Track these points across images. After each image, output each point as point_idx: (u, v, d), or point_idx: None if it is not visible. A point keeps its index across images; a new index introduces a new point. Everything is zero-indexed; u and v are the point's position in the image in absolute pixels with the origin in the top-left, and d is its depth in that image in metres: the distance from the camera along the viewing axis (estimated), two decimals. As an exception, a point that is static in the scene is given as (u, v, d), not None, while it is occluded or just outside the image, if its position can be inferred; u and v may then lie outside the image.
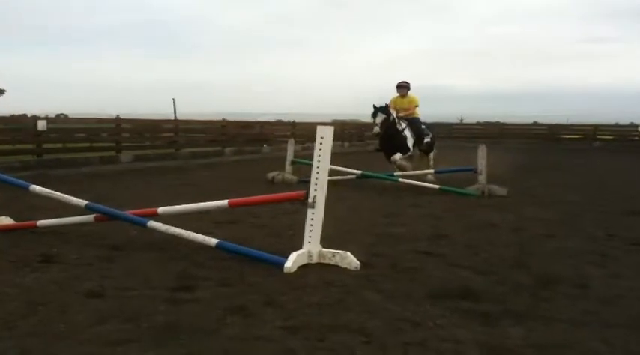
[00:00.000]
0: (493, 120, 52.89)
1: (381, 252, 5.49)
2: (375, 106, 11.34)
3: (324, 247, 5.02)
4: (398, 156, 11.39)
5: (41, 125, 13.67)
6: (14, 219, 6.34)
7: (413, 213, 8.06)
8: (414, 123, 11.99)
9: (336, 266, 4.86)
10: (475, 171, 10.36)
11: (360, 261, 4.88)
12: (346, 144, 24.73)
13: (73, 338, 3.27)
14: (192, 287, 4.28)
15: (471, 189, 9.98)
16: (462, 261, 5.19)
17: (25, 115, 21.51)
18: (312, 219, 4.95)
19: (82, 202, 5.87)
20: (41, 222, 6.04)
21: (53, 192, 6.08)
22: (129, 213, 5.80)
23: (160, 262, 4.97)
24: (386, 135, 11.54)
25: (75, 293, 4.06)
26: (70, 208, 6.21)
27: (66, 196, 5.99)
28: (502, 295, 4.23)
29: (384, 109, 11.34)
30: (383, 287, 4.36)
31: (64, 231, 6.09)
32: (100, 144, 16.10)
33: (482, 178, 10.23)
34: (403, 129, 11.65)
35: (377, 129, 11.23)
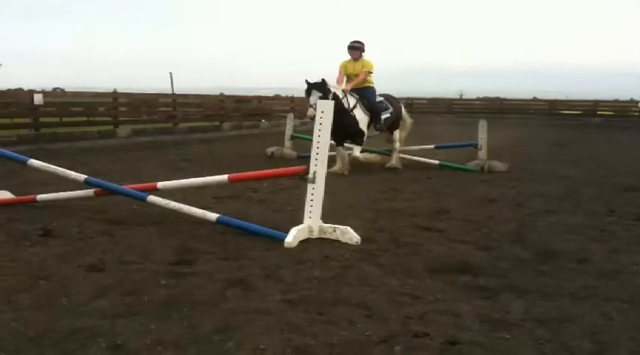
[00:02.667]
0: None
1: (381, 227, 5.49)
2: (308, 82, 8.97)
3: (324, 222, 5.01)
4: (357, 151, 9.39)
5: (38, 99, 13.57)
6: (13, 194, 6.32)
7: (413, 188, 8.05)
8: (366, 96, 9.59)
9: (337, 241, 4.86)
10: (475, 146, 10.34)
11: (361, 236, 4.88)
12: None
13: (75, 312, 3.27)
14: (193, 261, 4.28)
15: (471, 165, 9.97)
16: (462, 236, 5.20)
17: (20, 89, 21.39)
18: (312, 194, 4.94)
19: (81, 177, 5.84)
20: (41, 197, 6.02)
21: (51, 166, 6.06)
22: (128, 187, 5.78)
23: (160, 236, 4.96)
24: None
25: (76, 268, 4.05)
26: (68, 183, 6.19)
27: (64, 170, 5.97)
28: (502, 270, 4.24)
29: (321, 86, 8.88)
30: (383, 261, 4.37)
31: (64, 206, 6.08)
32: (98, 119, 16.03)
33: (482, 154, 10.22)
34: (352, 108, 9.27)
35: (312, 111, 8.42)
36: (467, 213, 6.27)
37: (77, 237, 4.91)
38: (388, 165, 10.19)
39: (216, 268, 4.11)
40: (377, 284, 3.83)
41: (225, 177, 5.73)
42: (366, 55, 9.75)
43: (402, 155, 10.48)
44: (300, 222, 4.98)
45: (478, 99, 40.91)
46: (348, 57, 9.73)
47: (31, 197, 6.12)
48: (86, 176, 5.87)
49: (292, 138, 11.81)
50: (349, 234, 4.89)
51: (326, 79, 8.95)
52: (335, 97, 8.81)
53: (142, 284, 3.75)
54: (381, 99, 9.97)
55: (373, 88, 9.80)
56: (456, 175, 9.38)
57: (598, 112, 29.87)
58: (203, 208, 5.47)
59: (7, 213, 5.76)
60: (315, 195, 4.94)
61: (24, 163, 6.19)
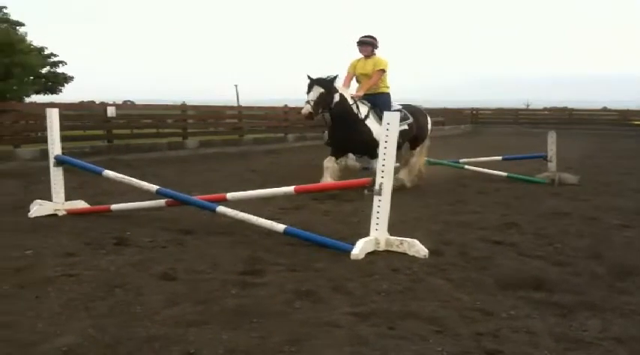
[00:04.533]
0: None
1: (449, 240, 5.41)
2: (310, 78, 7.72)
3: (390, 234, 4.98)
4: (351, 160, 8.19)
5: (111, 111, 14.08)
6: (88, 203, 6.57)
7: (480, 200, 7.90)
8: (378, 104, 8.16)
9: (404, 254, 4.81)
10: (545, 158, 10.09)
11: (428, 249, 4.82)
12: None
13: (149, 320, 3.35)
14: (261, 271, 4.33)
15: (541, 177, 9.72)
16: (534, 251, 5.06)
17: (93, 102, 22.27)
18: (378, 206, 4.92)
19: (154, 187, 6.01)
20: (115, 206, 6.23)
21: (126, 177, 6.25)
22: (198, 198, 5.91)
23: (229, 246, 5.04)
24: (338, 125, 7.97)
25: (149, 276, 4.16)
26: (140, 193, 6.38)
27: (138, 181, 6.15)
28: (577, 286, 4.09)
29: (325, 82, 7.63)
30: (452, 275, 4.29)
31: (136, 215, 6.27)
32: (166, 130, 16.48)
33: (552, 165, 9.95)
34: (365, 116, 8.02)
35: (307, 107, 7.49)
36: (538, 226, 6.10)
37: (150, 246, 5.05)
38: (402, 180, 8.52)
39: (285, 279, 4.14)
40: (447, 299, 3.77)
41: (291, 188, 5.79)
42: (379, 52, 8.50)
43: (468, 167, 10.28)
44: (366, 234, 4.96)
45: (545, 109, 39.95)
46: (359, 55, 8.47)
47: (105, 207, 6.34)
48: (158, 186, 6.03)
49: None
50: (416, 247, 4.83)
51: (337, 77, 7.82)
52: (343, 101, 7.78)
53: (213, 293, 3.81)
54: (399, 107, 8.38)
55: (387, 93, 8.50)
56: (525, 187, 9.14)
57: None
58: (270, 219, 5.52)
59: (83, 222, 5.99)
60: (381, 207, 4.91)
61: (99, 174, 6.41)
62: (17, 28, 27.66)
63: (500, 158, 11.00)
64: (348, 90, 8.13)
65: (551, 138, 10.11)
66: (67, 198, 6.47)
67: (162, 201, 6.00)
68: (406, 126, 8.32)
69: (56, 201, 6.34)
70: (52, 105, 13.39)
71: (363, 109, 8.06)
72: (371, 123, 7.99)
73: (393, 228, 5.03)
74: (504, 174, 9.99)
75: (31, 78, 26.27)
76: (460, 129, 29.21)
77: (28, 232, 5.53)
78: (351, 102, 7.91)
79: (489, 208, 7.26)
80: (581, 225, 6.22)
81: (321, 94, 7.53)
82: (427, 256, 4.75)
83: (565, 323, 3.41)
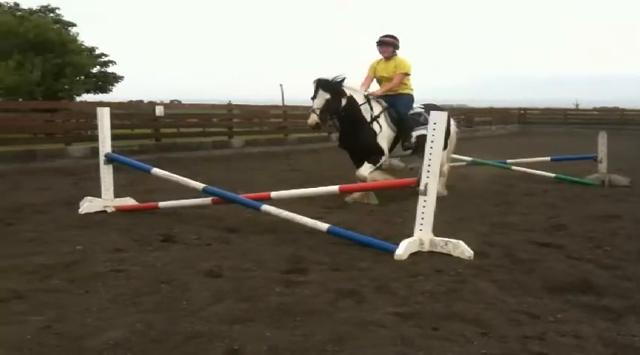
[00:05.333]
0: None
1: (494, 241, 5.33)
2: (315, 81, 7.13)
3: (435, 235, 4.94)
4: (365, 169, 7.30)
5: (159, 111, 14.36)
6: (136, 200, 6.71)
7: (527, 201, 7.76)
8: (396, 105, 7.65)
9: (448, 255, 4.76)
10: (595, 159, 9.84)
11: (473, 251, 4.76)
12: (454, 130, 24.10)
13: (194, 316, 3.40)
14: (305, 270, 4.35)
15: (591, 179, 9.49)
16: (583, 254, 4.94)
17: (141, 101, 22.74)
18: (423, 207, 4.88)
19: (200, 185, 6.09)
20: (162, 204, 6.34)
21: (173, 175, 6.36)
22: (243, 196, 5.97)
23: (273, 245, 5.08)
24: (345, 129, 7.51)
25: (195, 273, 4.22)
26: (186, 191, 6.49)
27: (185, 179, 6.25)
28: (627, 290, 3.98)
29: (331, 85, 7.04)
30: (498, 277, 4.23)
31: (183, 213, 6.37)
32: (212, 129, 16.69)
33: (602, 167, 9.70)
34: (374, 118, 7.46)
35: (314, 117, 6.97)
36: (587, 229, 5.96)
37: (195, 244, 5.13)
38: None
39: (328, 278, 4.15)
40: (492, 301, 3.72)
41: (335, 187, 5.81)
42: (400, 53, 7.87)
43: (515, 167, 10.10)
44: (409, 234, 4.93)
45: (595, 109, 38.97)
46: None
47: (153, 204, 6.46)
48: (205, 185, 6.11)
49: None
50: (461, 248, 4.77)
51: (345, 79, 7.18)
52: (352, 103, 7.24)
53: (257, 291, 3.85)
54: (420, 110, 7.89)
55: (409, 95, 7.88)
56: (574, 189, 8.94)
57: None
58: (313, 218, 5.54)
59: (131, 218, 6.12)
60: (426, 208, 4.87)
61: (147, 172, 6.53)
62: (69, 28, 28.42)
63: (548, 159, 10.76)
64: (362, 90, 7.61)
65: (602, 138, 9.85)
66: (116, 195, 6.62)
67: (208, 199, 6.08)
68: (426, 131, 7.54)
69: (105, 198, 6.50)
70: (102, 104, 13.74)
71: (376, 109, 7.52)
72: (377, 124, 7.44)
73: (438, 229, 4.98)
74: (553, 174, 9.79)
75: (82, 77, 26.94)
76: (506, 129, 28.74)
77: (79, 228, 5.68)
78: (361, 102, 7.38)
79: (537, 210, 7.12)
80: (632, 228, 6.05)
81: (327, 101, 6.97)
82: (472, 257, 4.69)
83: (614, 328, 3.32)
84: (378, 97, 7.68)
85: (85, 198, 6.58)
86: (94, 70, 28.42)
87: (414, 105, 7.96)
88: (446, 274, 4.29)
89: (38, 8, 28.38)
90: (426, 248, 4.88)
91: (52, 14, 28.59)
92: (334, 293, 3.82)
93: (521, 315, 3.49)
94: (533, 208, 7.23)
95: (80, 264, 4.42)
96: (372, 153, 7.38)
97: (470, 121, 26.18)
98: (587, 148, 11.26)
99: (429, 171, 4.85)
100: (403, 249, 4.68)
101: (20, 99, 21.72)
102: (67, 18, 29.34)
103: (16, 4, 27.81)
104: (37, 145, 12.39)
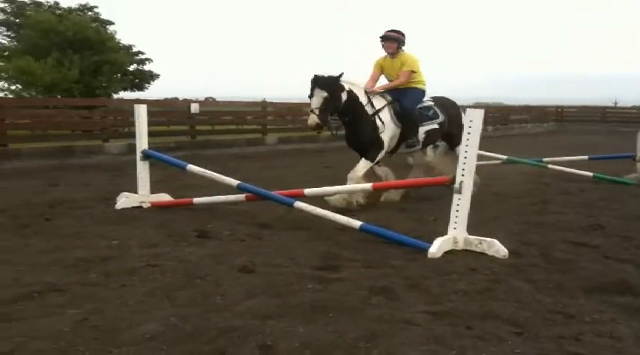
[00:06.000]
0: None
1: (530, 241, 5.26)
2: (312, 78, 6.66)
3: (469, 234, 4.89)
4: (359, 169, 6.87)
5: (194, 108, 14.51)
6: (171, 196, 6.79)
7: (563, 201, 7.63)
8: (401, 99, 7.22)
9: (483, 254, 4.72)
10: (634, 158, 9.62)
11: (508, 250, 4.71)
12: (490, 128, 23.85)
13: (228, 311, 3.44)
14: (337, 266, 4.35)
15: (629, 178, 9.29)
16: (620, 254, 4.84)
17: (176, 98, 23.00)
18: (458, 205, 4.83)
19: (234, 182, 6.14)
20: (197, 200, 6.41)
21: (208, 171, 6.42)
22: (277, 193, 6.00)
23: (306, 241, 5.11)
24: (346, 125, 7.07)
25: (229, 268, 4.27)
26: (220, 187, 6.54)
27: (220, 176, 6.31)
28: (666, 292, 3.90)
29: (327, 82, 6.59)
30: (533, 277, 4.17)
31: (217, 209, 6.44)
32: (246, 127, 16.78)
33: (641, 166, 9.49)
34: (375, 112, 7.01)
35: (313, 118, 6.56)
36: (624, 229, 5.84)
37: (229, 239, 5.18)
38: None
39: (361, 275, 4.15)
40: (527, 301, 3.67)
41: (369, 185, 5.80)
42: (406, 49, 7.42)
43: (552, 166, 9.92)
44: (443, 232, 4.90)
45: (634, 107, 38.04)
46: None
47: (188, 200, 6.54)
48: (239, 181, 6.16)
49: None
50: (496, 247, 4.72)
51: (343, 74, 6.70)
52: (352, 99, 6.81)
53: (290, 287, 3.87)
54: (429, 105, 7.51)
55: (418, 89, 7.41)
56: (612, 188, 8.75)
57: None
58: (346, 215, 5.54)
59: (166, 214, 6.20)
60: (460, 206, 4.83)
61: (183, 168, 6.61)
62: (107, 26, 28.87)
63: (586, 157, 10.57)
64: (363, 85, 7.17)
65: (641, 137, 9.63)
66: (152, 191, 6.72)
67: (242, 196, 6.13)
68: (436, 125, 7.44)
69: (141, 194, 6.60)
70: (139, 101, 13.94)
71: (378, 103, 7.08)
72: (379, 118, 6.98)
73: (472, 227, 4.94)
74: (590, 174, 9.60)
75: (119, 75, 27.33)
76: (543, 128, 28.31)
77: (115, 223, 5.78)
78: (361, 96, 6.95)
79: (573, 209, 7.00)
80: (672, 229, 5.91)
81: (325, 99, 6.53)
82: (507, 256, 4.64)
83: (652, 330, 3.25)
84: (380, 92, 7.28)
85: (122, 193, 6.69)
86: (131, 68, 28.81)
87: (425, 99, 7.56)
88: (480, 273, 4.25)
89: (77, 7, 28.86)
90: (460, 246, 4.84)
91: (90, 12, 29.05)
92: (367, 290, 3.82)
93: (557, 315, 3.44)
94: (569, 207, 7.11)
95: (116, 259, 4.50)
96: (368, 147, 6.99)
97: (505, 119, 25.87)
98: (626, 147, 11.01)
99: (464, 169, 4.80)
100: (437, 248, 4.65)
101: (59, 97, 22.16)
102: (104, 16, 29.81)
103: (56, 3, 28.34)
104: (75, 142, 12.67)
